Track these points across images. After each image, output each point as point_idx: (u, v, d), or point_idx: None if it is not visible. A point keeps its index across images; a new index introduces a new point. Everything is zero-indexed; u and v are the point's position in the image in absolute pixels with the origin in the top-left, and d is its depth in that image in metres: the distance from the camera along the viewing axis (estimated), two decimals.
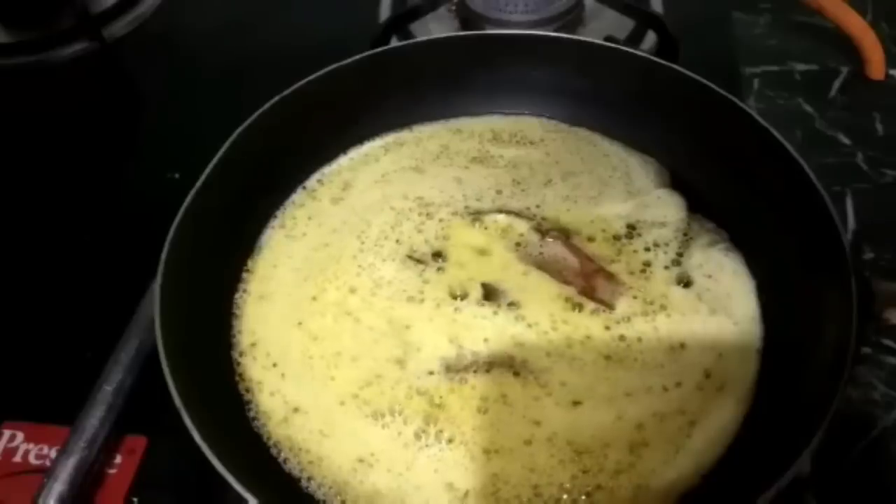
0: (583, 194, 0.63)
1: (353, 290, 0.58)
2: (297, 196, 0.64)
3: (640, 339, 0.54)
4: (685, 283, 0.57)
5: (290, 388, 0.54)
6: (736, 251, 0.59)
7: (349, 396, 0.53)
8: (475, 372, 0.53)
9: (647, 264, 0.58)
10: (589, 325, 0.55)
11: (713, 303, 0.56)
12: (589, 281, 0.57)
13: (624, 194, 0.63)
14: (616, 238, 0.60)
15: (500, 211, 0.61)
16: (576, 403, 0.51)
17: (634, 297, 0.56)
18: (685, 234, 0.60)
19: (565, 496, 0.48)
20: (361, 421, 0.52)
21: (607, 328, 0.55)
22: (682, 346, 0.54)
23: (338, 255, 0.60)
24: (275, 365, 0.55)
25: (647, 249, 0.59)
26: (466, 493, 0.49)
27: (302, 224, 0.63)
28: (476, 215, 0.61)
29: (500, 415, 0.51)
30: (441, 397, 0.52)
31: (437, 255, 0.59)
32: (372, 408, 0.52)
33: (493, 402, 0.52)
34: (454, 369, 0.53)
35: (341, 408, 0.52)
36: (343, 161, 0.67)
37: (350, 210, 0.63)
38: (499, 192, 0.63)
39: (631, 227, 0.60)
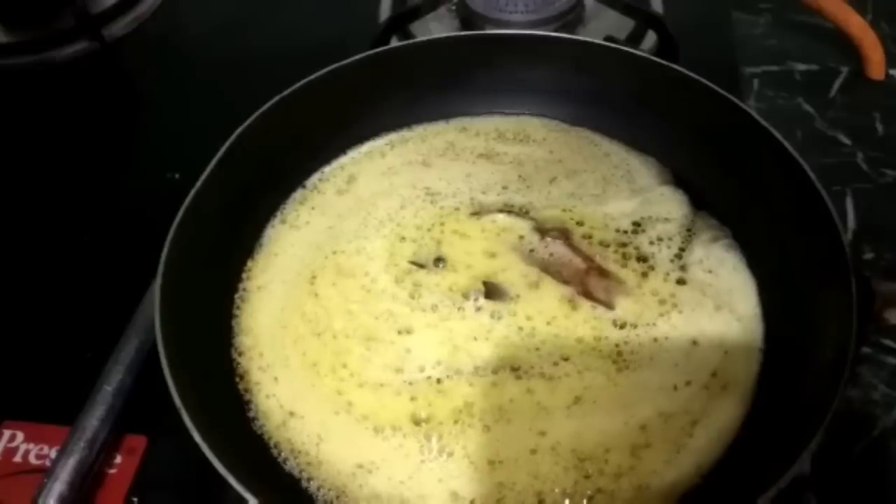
0: (587, 192, 0.63)
1: (347, 286, 0.58)
2: (298, 194, 0.64)
3: (667, 338, 0.54)
4: (688, 278, 0.57)
5: (284, 392, 0.53)
6: (737, 248, 0.59)
7: (343, 406, 0.52)
8: (478, 377, 0.53)
9: (651, 260, 0.58)
10: (597, 325, 0.55)
11: (716, 298, 0.56)
12: (588, 280, 0.57)
13: (627, 192, 0.63)
14: (621, 234, 0.60)
15: (500, 211, 0.61)
16: (583, 410, 0.51)
17: (643, 296, 0.56)
18: (688, 230, 0.60)
19: (567, 501, 0.48)
20: (361, 432, 0.51)
21: (622, 329, 0.55)
22: (695, 343, 0.54)
23: (338, 234, 0.61)
24: (269, 366, 0.55)
25: (652, 243, 0.59)
26: (472, 502, 0.49)
27: (305, 215, 0.63)
28: (477, 213, 0.61)
29: (506, 427, 0.51)
30: (443, 407, 0.51)
31: (438, 255, 0.59)
32: (372, 422, 0.51)
33: (498, 414, 0.51)
34: (456, 375, 0.53)
35: (336, 417, 0.52)
36: (344, 160, 0.67)
37: (356, 198, 0.64)
38: (505, 187, 0.63)
39: (636, 224, 0.60)
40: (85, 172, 0.76)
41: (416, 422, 0.51)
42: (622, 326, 0.55)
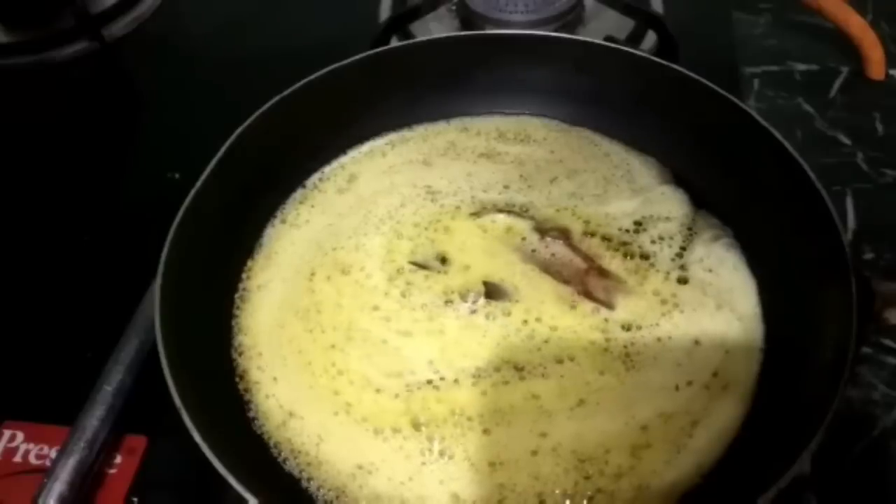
0: (588, 192, 0.63)
1: (341, 282, 0.58)
2: (298, 194, 0.64)
3: (670, 338, 0.54)
4: (688, 277, 0.57)
5: (283, 392, 0.53)
6: (737, 248, 0.59)
7: (342, 407, 0.52)
8: (478, 378, 0.53)
9: (653, 258, 0.58)
10: (599, 325, 0.55)
11: (717, 297, 0.56)
12: (588, 280, 0.57)
13: (628, 192, 0.63)
14: (623, 233, 0.60)
15: (500, 210, 0.61)
16: (586, 411, 0.51)
17: (645, 295, 0.56)
18: (689, 229, 0.60)
19: (568, 502, 0.48)
20: (361, 434, 0.51)
21: (626, 329, 0.54)
22: (697, 342, 0.54)
23: (338, 232, 0.61)
24: (268, 366, 0.55)
25: (653, 242, 0.59)
26: None
27: (305, 213, 0.63)
28: (478, 213, 0.61)
29: (507, 429, 0.51)
30: (441, 410, 0.51)
31: (438, 254, 0.59)
32: (372, 424, 0.51)
33: (499, 416, 0.51)
34: (453, 377, 0.53)
35: (336, 417, 0.52)
36: (345, 159, 0.67)
37: (357, 196, 0.64)
38: (506, 186, 0.64)
39: (637, 224, 0.60)
40: (85, 172, 0.76)
41: (416, 425, 0.51)
42: (626, 327, 0.55)
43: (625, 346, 0.54)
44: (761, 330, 0.55)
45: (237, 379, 0.54)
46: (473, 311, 0.56)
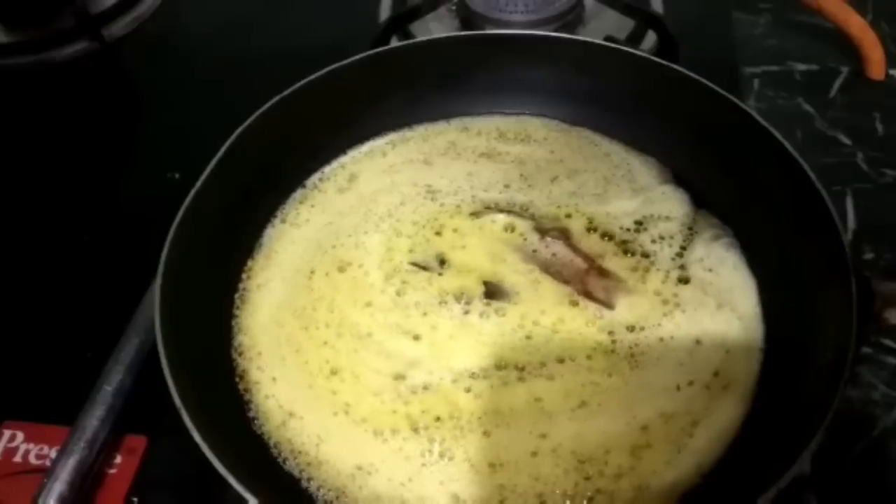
0: (589, 191, 0.63)
1: (339, 279, 0.58)
2: (298, 193, 0.64)
3: (672, 338, 0.54)
4: (689, 276, 0.57)
5: (282, 392, 0.53)
6: (737, 247, 0.59)
7: (341, 407, 0.52)
8: (478, 379, 0.52)
9: (653, 257, 0.58)
10: (601, 326, 0.55)
11: (718, 297, 0.56)
12: (588, 280, 0.57)
13: (629, 191, 0.63)
14: (623, 232, 0.60)
15: (500, 210, 0.61)
16: (587, 412, 0.51)
17: (646, 294, 0.56)
18: (689, 229, 0.60)
19: (568, 502, 0.48)
20: (361, 434, 0.51)
21: (630, 330, 0.54)
22: (698, 342, 0.54)
23: (338, 230, 0.61)
24: (267, 366, 0.55)
25: (654, 242, 0.59)
26: None
27: (305, 213, 0.63)
28: (478, 213, 0.61)
29: (507, 431, 0.51)
30: (441, 412, 0.51)
31: (437, 254, 0.59)
32: (371, 425, 0.51)
33: (499, 418, 0.51)
34: (454, 379, 0.53)
35: (335, 418, 0.52)
36: (345, 159, 0.67)
37: (358, 195, 0.64)
38: (507, 185, 0.64)
39: (638, 223, 0.60)
40: (85, 172, 0.76)
41: (415, 426, 0.51)
42: (631, 328, 0.55)
43: (630, 347, 0.54)
44: (761, 330, 0.55)
45: (237, 379, 0.54)
46: (467, 312, 0.55)
